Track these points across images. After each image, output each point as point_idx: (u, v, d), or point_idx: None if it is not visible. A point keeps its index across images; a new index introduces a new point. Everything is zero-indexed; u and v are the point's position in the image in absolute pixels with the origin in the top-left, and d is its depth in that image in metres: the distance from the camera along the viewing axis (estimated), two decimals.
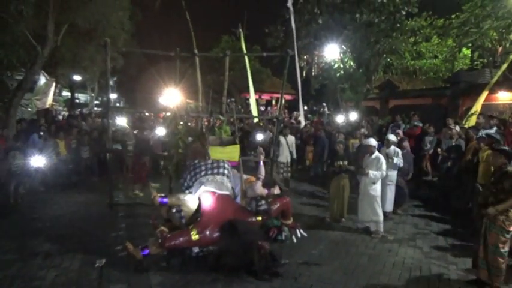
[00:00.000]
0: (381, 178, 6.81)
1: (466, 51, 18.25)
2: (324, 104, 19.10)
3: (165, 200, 5.57)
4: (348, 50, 15.91)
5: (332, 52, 16.04)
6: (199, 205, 5.46)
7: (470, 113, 10.79)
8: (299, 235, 6.01)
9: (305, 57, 18.39)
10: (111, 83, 13.10)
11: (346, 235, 6.82)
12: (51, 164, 9.71)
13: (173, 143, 7.04)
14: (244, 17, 18.71)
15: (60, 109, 25.44)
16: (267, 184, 6.32)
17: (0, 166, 8.27)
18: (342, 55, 16.08)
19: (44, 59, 10.07)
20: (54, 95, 19.13)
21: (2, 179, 8.23)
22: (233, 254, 4.99)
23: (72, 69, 17.16)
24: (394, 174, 7.62)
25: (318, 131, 12.15)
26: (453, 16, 14.49)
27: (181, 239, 5.09)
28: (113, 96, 35.89)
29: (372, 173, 6.64)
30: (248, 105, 20.77)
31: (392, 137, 7.83)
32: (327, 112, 17.90)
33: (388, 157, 7.39)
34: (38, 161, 8.67)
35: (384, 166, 6.71)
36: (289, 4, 14.04)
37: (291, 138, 10.50)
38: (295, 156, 10.59)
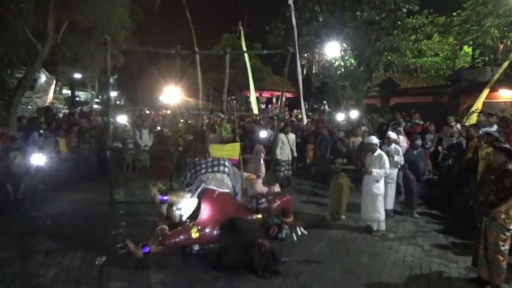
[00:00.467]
0: (384, 176, 6.79)
1: (467, 49, 18.20)
2: (325, 102, 19.08)
3: (166, 197, 5.57)
4: (349, 48, 15.87)
5: (333, 50, 16.00)
6: (200, 203, 5.46)
7: (471, 111, 10.76)
8: (299, 233, 6.04)
9: (306, 55, 18.33)
10: (111, 81, 13.10)
11: (346, 233, 6.81)
12: (51, 162, 9.72)
13: (173, 140, 7.04)
14: (245, 14, 18.69)
15: (60, 107, 25.44)
16: (267, 182, 6.34)
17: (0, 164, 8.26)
18: (342, 53, 16.04)
19: (44, 57, 10.05)
20: (54, 92, 19.13)
21: (1, 178, 8.22)
22: (233, 252, 4.98)
23: (72, 67, 17.15)
24: (394, 172, 7.61)
25: (319, 129, 12.13)
26: (454, 14, 14.46)
27: (181, 236, 5.09)
28: (113, 94, 35.93)
29: (375, 171, 6.62)
30: (249, 103, 20.79)
31: (392, 135, 7.82)
32: (328, 110, 17.88)
33: (388, 155, 7.38)
34: (38, 159, 8.67)
35: (387, 164, 6.68)
36: (290, 2, 14.01)
37: (292, 136, 10.52)
38: (295, 154, 10.61)
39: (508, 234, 4.64)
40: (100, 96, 36.77)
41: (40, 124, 11.83)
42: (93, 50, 14.26)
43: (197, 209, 5.53)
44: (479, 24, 12.30)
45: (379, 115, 14.66)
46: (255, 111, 13.93)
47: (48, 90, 13.62)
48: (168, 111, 15.46)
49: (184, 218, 5.61)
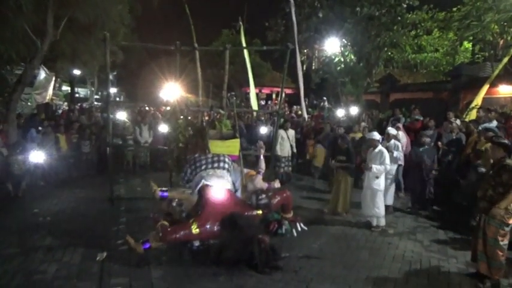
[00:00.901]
0: (385, 172, 6.79)
1: (467, 45, 18.16)
2: (325, 98, 19.05)
3: (166, 193, 5.59)
4: (349, 44, 15.84)
5: (332, 46, 15.97)
6: (200, 199, 5.47)
7: (471, 106, 10.76)
8: (299, 229, 6.04)
9: (305, 51, 18.30)
10: (111, 77, 13.03)
11: (346, 229, 6.84)
12: (51, 159, 9.73)
13: (173, 137, 7.04)
14: (244, 10, 18.63)
15: (60, 103, 25.42)
16: (267, 178, 6.35)
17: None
18: (342, 49, 16.01)
19: (44, 53, 10.02)
20: (54, 89, 19.11)
21: (1, 177, 8.24)
22: (234, 247, 4.98)
23: (71, 63, 17.10)
24: (394, 168, 7.62)
25: (319, 125, 12.14)
26: (454, 9, 14.41)
27: (182, 232, 5.10)
28: (113, 90, 35.89)
29: (375, 167, 6.61)
30: (248, 99, 20.74)
31: (392, 131, 7.83)
32: (328, 106, 17.85)
33: (388, 150, 7.39)
34: (37, 156, 8.66)
35: (388, 160, 6.68)
36: None
37: (292, 132, 10.54)
38: (295, 150, 10.63)
39: (506, 229, 4.65)
40: (100, 93, 36.76)
41: (39, 121, 11.84)
42: (93, 47, 14.20)
43: (197, 205, 5.55)
44: (480, 20, 12.28)
45: (379, 111, 14.65)
46: (255, 107, 13.91)
47: (48, 87, 13.61)
48: (168, 108, 15.50)
49: (184, 214, 5.65)
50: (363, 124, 10.52)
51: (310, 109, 17.40)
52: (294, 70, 14.17)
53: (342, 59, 15.96)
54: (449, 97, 14.27)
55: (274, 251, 5.31)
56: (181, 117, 7.36)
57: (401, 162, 8.17)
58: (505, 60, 11.26)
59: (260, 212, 5.57)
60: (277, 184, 6.45)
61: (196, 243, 5.40)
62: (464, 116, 10.47)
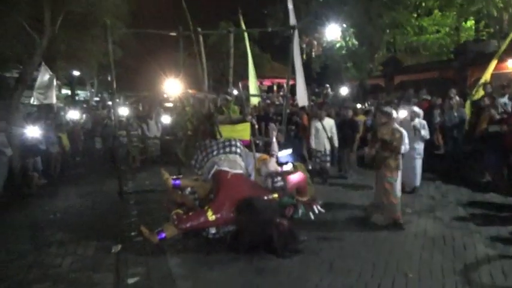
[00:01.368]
0: (404, 152, 6.56)
1: (470, 23, 17.90)
2: (327, 85, 18.84)
3: (178, 181, 5.44)
4: (350, 28, 15.58)
5: (333, 32, 15.72)
6: (214, 185, 5.32)
7: (480, 82, 10.53)
8: (316, 211, 5.88)
9: (306, 38, 18.06)
10: (109, 78, 12.81)
11: (361, 212, 6.62)
12: (56, 157, 9.71)
13: (181, 125, 6.88)
14: (241, 1, 18.33)
15: (61, 105, 25.26)
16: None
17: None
18: (343, 33, 15.75)
19: (43, 50, 9.86)
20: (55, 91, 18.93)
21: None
22: (251, 232, 4.85)
23: (70, 63, 16.94)
24: (421, 147, 7.46)
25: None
26: None
27: (197, 220, 4.95)
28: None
29: None
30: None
31: (416, 109, 7.64)
32: (331, 93, 17.62)
33: (414, 129, 7.22)
34: (33, 131, 8.61)
35: (407, 139, 6.42)
36: None
37: (330, 122, 8.84)
38: (336, 143, 8.86)
39: None
40: (99, 94, 36.61)
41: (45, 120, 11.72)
42: (90, 44, 14.04)
43: (211, 192, 5.40)
44: None
45: (385, 94, 14.43)
46: (255, 97, 13.67)
47: (52, 87, 13.44)
48: (170, 104, 15.34)
49: (198, 202, 5.51)
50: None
51: (313, 97, 17.16)
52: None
53: (344, 44, 15.71)
54: (456, 75, 14.03)
55: (292, 234, 5.18)
56: (188, 105, 7.18)
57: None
58: None
59: (276, 195, 5.42)
60: (291, 167, 6.27)
61: (213, 231, 5.25)
62: (473, 93, 10.26)
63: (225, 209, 5.01)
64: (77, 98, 31.12)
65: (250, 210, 4.90)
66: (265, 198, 5.32)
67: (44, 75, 12.74)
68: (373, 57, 16.45)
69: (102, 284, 4.28)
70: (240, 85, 9.18)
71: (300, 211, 5.97)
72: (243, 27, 13.25)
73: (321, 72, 19.06)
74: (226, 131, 6.16)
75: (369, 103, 13.02)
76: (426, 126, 7.50)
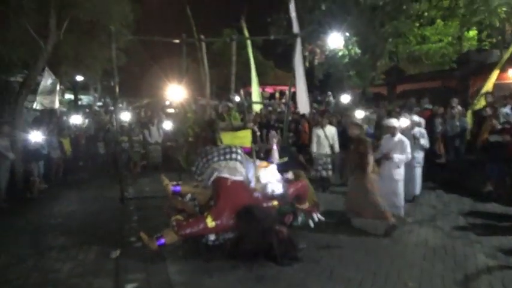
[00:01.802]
0: (406, 161, 6.51)
1: (473, 33, 17.94)
2: (330, 92, 18.87)
3: (178, 188, 5.45)
4: (353, 37, 15.63)
5: (336, 39, 15.77)
6: (214, 191, 5.32)
7: (481, 92, 10.54)
8: (316, 219, 5.89)
9: (309, 46, 18.12)
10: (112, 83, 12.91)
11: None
12: (58, 161, 9.76)
13: (182, 132, 6.90)
14: (245, 9, 18.47)
15: (64, 110, 25.36)
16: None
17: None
18: (346, 42, 15.79)
19: (48, 55, 9.94)
20: (58, 95, 19.02)
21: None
22: (251, 239, 4.84)
23: (75, 68, 17.05)
24: (421, 156, 7.46)
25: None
26: None
27: (197, 226, 4.95)
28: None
29: (397, 156, 6.29)
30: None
31: (416, 118, 7.64)
32: (333, 101, 17.65)
33: (414, 138, 7.22)
34: (36, 135, 8.70)
35: (409, 149, 6.38)
36: None
37: (331, 130, 8.74)
38: (337, 150, 8.71)
39: None
40: (103, 99, 36.74)
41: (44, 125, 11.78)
42: (95, 50, 14.15)
43: (211, 198, 5.41)
44: (486, 4, 12.04)
45: (387, 102, 14.43)
46: (257, 105, 13.74)
47: (55, 92, 13.52)
48: (172, 110, 15.40)
49: (198, 209, 5.51)
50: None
51: (315, 104, 17.20)
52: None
53: (347, 52, 15.74)
54: (458, 85, 14.04)
55: (292, 242, 5.17)
56: (190, 112, 7.21)
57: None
58: None
59: (276, 202, 5.42)
60: (290, 175, 6.28)
61: (212, 238, 5.24)
62: (475, 102, 10.27)
63: (225, 215, 5.01)
64: (80, 102, 31.24)
65: (250, 217, 4.91)
66: (265, 205, 5.33)
67: (47, 80, 12.83)
68: (376, 65, 16.46)
69: None
70: (242, 92, 9.23)
71: (300, 219, 5.97)
72: (246, 34, 13.35)
73: (323, 80, 19.09)
74: (227, 137, 6.19)
75: (371, 111, 13.03)
76: (426, 135, 7.51)
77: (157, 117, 13.13)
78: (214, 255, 5.02)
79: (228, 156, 5.65)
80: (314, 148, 8.60)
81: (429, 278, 4.44)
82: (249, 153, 6.27)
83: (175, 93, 7.71)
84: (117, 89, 7.25)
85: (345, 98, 13.84)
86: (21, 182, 8.64)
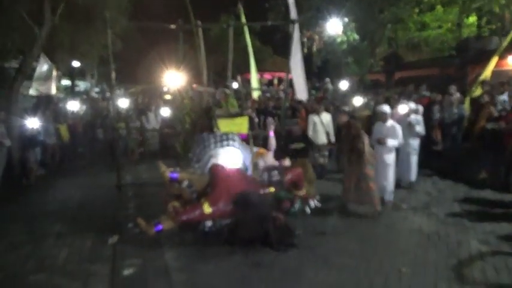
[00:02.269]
0: (399, 146, 6.62)
1: (472, 19, 17.81)
2: (328, 79, 18.80)
3: (175, 174, 5.47)
4: (352, 23, 15.50)
5: (335, 25, 15.64)
6: (211, 178, 5.35)
7: (479, 80, 10.51)
8: (313, 206, 5.93)
9: (308, 33, 17.96)
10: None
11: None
12: (54, 148, 9.76)
13: (179, 119, 6.90)
14: None
15: (61, 96, 25.19)
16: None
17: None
18: (345, 27, 15.67)
19: (43, 41, 9.82)
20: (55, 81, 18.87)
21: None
22: (248, 226, 4.88)
23: (71, 54, 16.88)
24: (416, 143, 7.49)
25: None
26: None
27: (194, 213, 4.99)
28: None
29: (390, 141, 6.37)
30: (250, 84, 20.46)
31: (413, 105, 7.65)
32: (331, 87, 17.57)
33: (409, 125, 7.24)
34: (32, 122, 8.65)
35: (401, 134, 6.46)
36: None
37: (327, 117, 8.68)
38: (333, 138, 8.62)
39: None
40: (100, 86, 36.50)
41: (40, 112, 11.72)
42: (92, 36, 13.98)
43: (208, 185, 5.43)
44: None
45: (385, 89, 14.39)
46: (256, 90, 13.66)
47: (51, 78, 13.42)
48: (169, 97, 15.33)
49: (195, 195, 5.53)
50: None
51: (313, 91, 17.13)
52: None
53: (345, 38, 15.64)
54: (457, 72, 13.98)
55: (288, 228, 5.22)
56: (187, 98, 7.20)
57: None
58: None
59: (273, 189, 5.45)
60: (287, 162, 6.31)
61: (209, 224, 5.30)
62: (474, 90, 10.24)
63: (222, 202, 5.04)
64: (77, 89, 31.04)
65: (246, 204, 4.94)
66: (262, 192, 5.36)
67: (43, 66, 12.73)
68: (374, 52, 16.39)
69: (98, 275, 4.33)
70: (240, 79, 9.18)
71: (297, 205, 6.04)
72: (244, 20, 13.20)
73: (321, 67, 19.00)
74: (224, 124, 6.19)
75: (369, 98, 13.00)
76: (422, 123, 7.52)
77: (154, 104, 13.09)
78: (211, 242, 5.07)
79: (225, 143, 5.66)
80: (310, 135, 8.58)
81: (422, 264, 4.50)
82: (246, 140, 6.29)
83: (173, 79, 7.67)
84: (113, 76, 7.19)
85: (344, 85, 13.75)
86: (18, 169, 8.62)
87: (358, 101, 10.07)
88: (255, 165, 5.83)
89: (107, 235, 5.35)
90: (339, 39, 16.01)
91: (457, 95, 9.63)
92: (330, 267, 4.45)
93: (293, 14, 13.63)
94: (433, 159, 9.29)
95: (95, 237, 5.41)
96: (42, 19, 9.58)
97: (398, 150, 7.13)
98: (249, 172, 5.82)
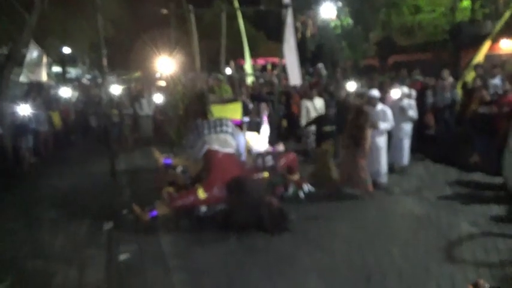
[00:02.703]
0: (390, 129, 6.71)
1: (466, 3, 17.72)
2: (321, 64, 18.73)
3: (169, 160, 5.49)
4: (346, 7, 15.40)
5: (329, 10, 15.53)
6: (205, 164, 5.37)
7: (472, 63, 10.54)
8: (306, 190, 5.99)
9: (302, 17, 17.83)
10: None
11: (352, 190, 6.72)
12: (46, 135, 9.70)
13: (173, 105, 6.87)
14: None
15: (52, 83, 24.89)
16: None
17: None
18: (339, 11, 15.56)
19: (33, 27, 9.66)
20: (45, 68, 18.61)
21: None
22: (242, 211, 4.94)
23: (61, 40, 16.66)
24: (409, 127, 7.54)
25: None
26: None
27: (188, 198, 5.04)
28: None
29: (382, 124, 6.47)
30: (244, 70, 20.35)
31: (406, 90, 7.68)
32: (325, 72, 17.52)
33: (403, 110, 7.28)
34: (24, 109, 8.57)
35: (392, 117, 6.57)
36: None
37: (319, 102, 8.64)
38: None
39: None
40: (92, 72, 36.08)
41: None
42: (82, 22, 13.80)
43: (202, 171, 5.47)
44: None
45: (378, 74, 14.37)
46: (250, 77, 13.63)
47: (41, 64, 13.22)
48: (162, 82, 15.21)
49: (189, 181, 5.57)
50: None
51: (307, 76, 17.07)
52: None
53: (339, 23, 15.54)
54: (450, 56, 14.01)
55: (282, 213, 5.28)
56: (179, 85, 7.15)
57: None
58: (507, 14, 10.93)
59: (267, 174, 5.49)
60: (281, 147, 6.34)
61: (204, 209, 5.33)
62: (466, 74, 10.28)
63: (216, 187, 5.09)
64: (68, 76, 30.67)
65: (241, 189, 4.99)
66: (256, 177, 5.40)
67: (33, 52, 12.51)
68: (368, 37, 16.31)
69: (94, 261, 4.37)
70: (233, 64, 9.11)
71: (291, 190, 6.09)
72: (237, 5, 13.06)
73: (315, 52, 18.91)
74: (217, 110, 6.18)
75: (363, 83, 13.00)
76: (414, 107, 7.56)
77: (147, 90, 12.98)
78: (205, 227, 5.12)
79: (218, 129, 5.67)
80: (304, 121, 8.57)
81: (414, 246, 4.60)
82: (239, 125, 6.30)
83: (165, 65, 7.60)
84: (105, 62, 7.10)
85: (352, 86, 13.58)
86: (10, 157, 8.55)
87: (351, 86, 10.06)
88: (249, 151, 5.86)
89: (102, 222, 5.37)
90: (332, 24, 15.92)
91: (450, 79, 9.67)
92: (323, 251, 4.52)
93: None
94: (425, 144, 9.36)
95: (90, 223, 5.44)
96: (31, 5, 9.42)
97: (390, 135, 7.21)
98: (243, 157, 5.85)
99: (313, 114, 8.45)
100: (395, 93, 7.65)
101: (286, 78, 13.78)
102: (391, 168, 7.33)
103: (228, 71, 8.53)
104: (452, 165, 8.09)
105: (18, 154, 8.59)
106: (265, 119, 6.39)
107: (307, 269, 4.15)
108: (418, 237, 4.86)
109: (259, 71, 28.65)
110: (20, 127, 8.68)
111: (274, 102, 8.65)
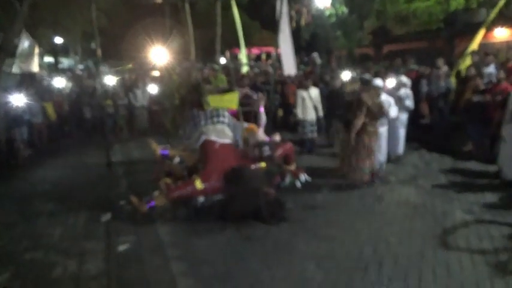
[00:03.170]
0: (394, 117, 6.75)
1: None
2: (316, 53, 18.66)
3: (166, 151, 5.49)
4: None
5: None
6: (202, 154, 5.38)
7: (467, 52, 10.56)
8: (303, 180, 6.02)
9: (296, 6, 17.68)
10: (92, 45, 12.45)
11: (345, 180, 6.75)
12: (40, 127, 9.63)
13: (168, 95, 6.83)
14: None
15: (44, 74, 24.59)
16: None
17: None
18: (333, 0, 15.46)
19: (24, 17, 9.51)
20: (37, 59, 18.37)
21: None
22: (239, 201, 4.97)
23: (53, 30, 16.42)
24: (405, 117, 7.56)
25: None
26: None
27: (186, 189, 5.06)
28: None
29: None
30: (239, 60, 20.24)
31: (404, 79, 7.68)
32: (319, 61, 17.47)
33: (399, 99, 7.29)
34: (17, 100, 8.50)
35: (393, 107, 6.58)
36: None
37: (315, 92, 8.59)
38: (321, 113, 8.60)
39: None
40: (84, 63, 35.69)
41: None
42: (74, 11, 13.59)
43: (199, 161, 5.48)
44: None
45: (373, 63, 14.36)
46: (245, 66, 13.57)
47: (33, 55, 13.04)
48: (157, 72, 15.09)
49: (186, 172, 5.58)
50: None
51: (301, 65, 17.03)
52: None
53: (334, 11, 15.45)
54: (444, 45, 14.02)
55: (279, 202, 5.32)
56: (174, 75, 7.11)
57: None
58: (501, 3, 10.94)
59: (264, 164, 5.51)
60: (277, 137, 6.36)
61: (201, 200, 5.35)
62: (460, 62, 10.30)
63: (213, 178, 5.11)
64: (60, 66, 30.32)
65: (238, 179, 5.01)
66: (253, 167, 5.42)
67: (25, 43, 12.34)
68: (363, 25, 16.25)
69: (93, 252, 4.39)
70: (228, 54, 9.07)
71: (287, 180, 6.11)
72: None
73: (310, 41, 18.81)
74: (213, 100, 6.15)
75: (358, 72, 13.00)
76: (411, 97, 7.58)
77: (142, 81, 12.88)
78: (203, 217, 5.14)
79: (215, 120, 5.67)
80: (299, 110, 8.53)
81: (409, 234, 4.66)
82: (235, 115, 6.29)
83: (159, 55, 7.55)
84: (99, 52, 7.04)
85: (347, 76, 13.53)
86: (4, 149, 8.49)
87: (346, 75, 10.04)
88: (246, 141, 5.86)
89: (99, 213, 5.38)
90: (327, 12, 15.82)
91: (445, 68, 9.70)
92: (320, 240, 4.57)
93: None
94: (420, 133, 9.42)
95: (87, 215, 5.44)
96: None
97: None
98: (240, 148, 5.87)
99: (309, 104, 8.46)
100: (390, 82, 7.66)
101: (281, 68, 13.81)
102: (387, 158, 7.38)
103: (223, 60, 8.49)
104: (446, 154, 8.17)
105: (12, 146, 8.52)
106: (261, 109, 6.38)
107: (305, 257, 4.20)
108: (414, 224, 4.93)
109: (254, 60, 28.50)
110: (14, 119, 8.61)
111: (269, 92, 8.63)
